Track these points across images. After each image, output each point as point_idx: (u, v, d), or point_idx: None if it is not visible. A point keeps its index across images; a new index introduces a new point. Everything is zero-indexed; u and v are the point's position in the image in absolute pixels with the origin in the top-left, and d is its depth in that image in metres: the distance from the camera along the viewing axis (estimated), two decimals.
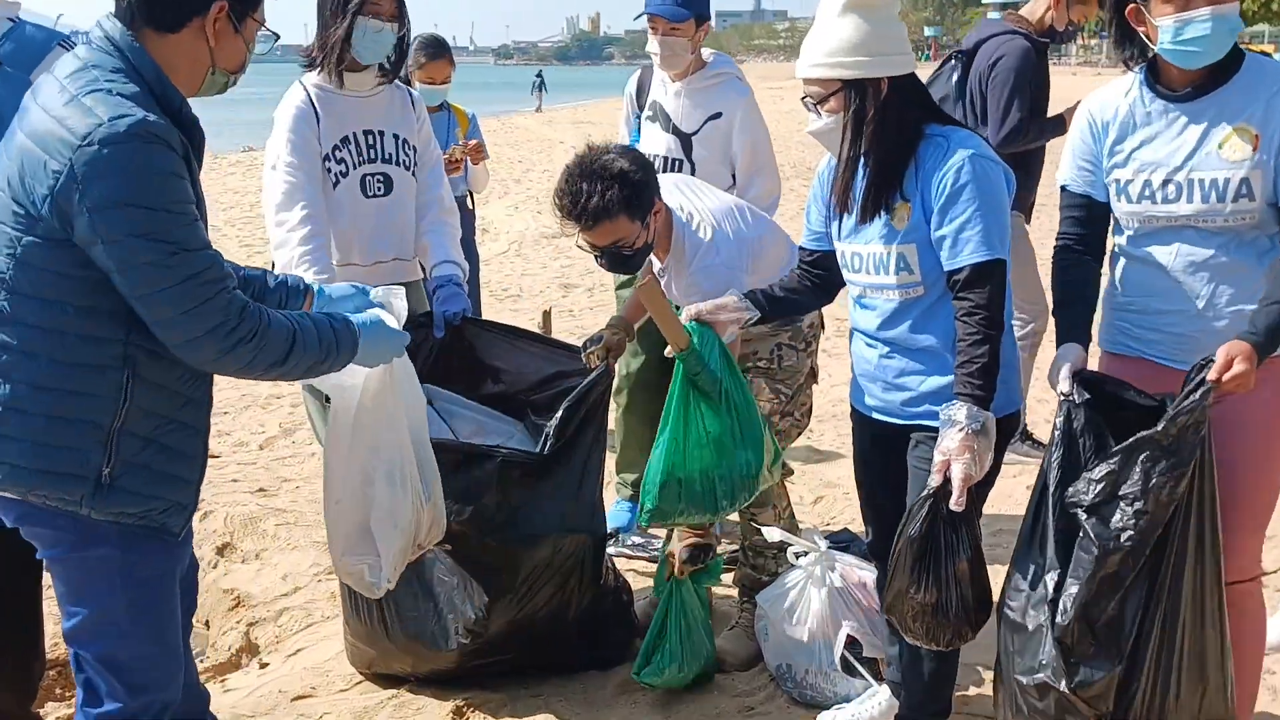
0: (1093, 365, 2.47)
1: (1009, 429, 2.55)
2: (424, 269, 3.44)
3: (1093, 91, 2.57)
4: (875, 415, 2.61)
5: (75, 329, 1.87)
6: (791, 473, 3.33)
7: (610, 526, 4.15)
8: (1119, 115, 2.42)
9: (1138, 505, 2.15)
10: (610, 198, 2.87)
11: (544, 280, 8.97)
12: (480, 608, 2.94)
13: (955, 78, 4.51)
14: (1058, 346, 2.45)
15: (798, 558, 3.11)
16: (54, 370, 1.87)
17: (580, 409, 2.98)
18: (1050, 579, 2.25)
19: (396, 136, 3.33)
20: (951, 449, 2.28)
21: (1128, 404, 2.31)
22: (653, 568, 3.82)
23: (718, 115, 3.79)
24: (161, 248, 1.83)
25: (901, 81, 2.43)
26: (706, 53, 3.87)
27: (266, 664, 3.33)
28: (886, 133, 2.41)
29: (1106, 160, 2.44)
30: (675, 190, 3.15)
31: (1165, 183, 2.34)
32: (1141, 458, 2.15)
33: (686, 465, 2.67)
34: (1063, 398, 2.33)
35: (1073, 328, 2.46)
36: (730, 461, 2.67)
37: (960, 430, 2.28)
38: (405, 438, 2.43)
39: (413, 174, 3.38)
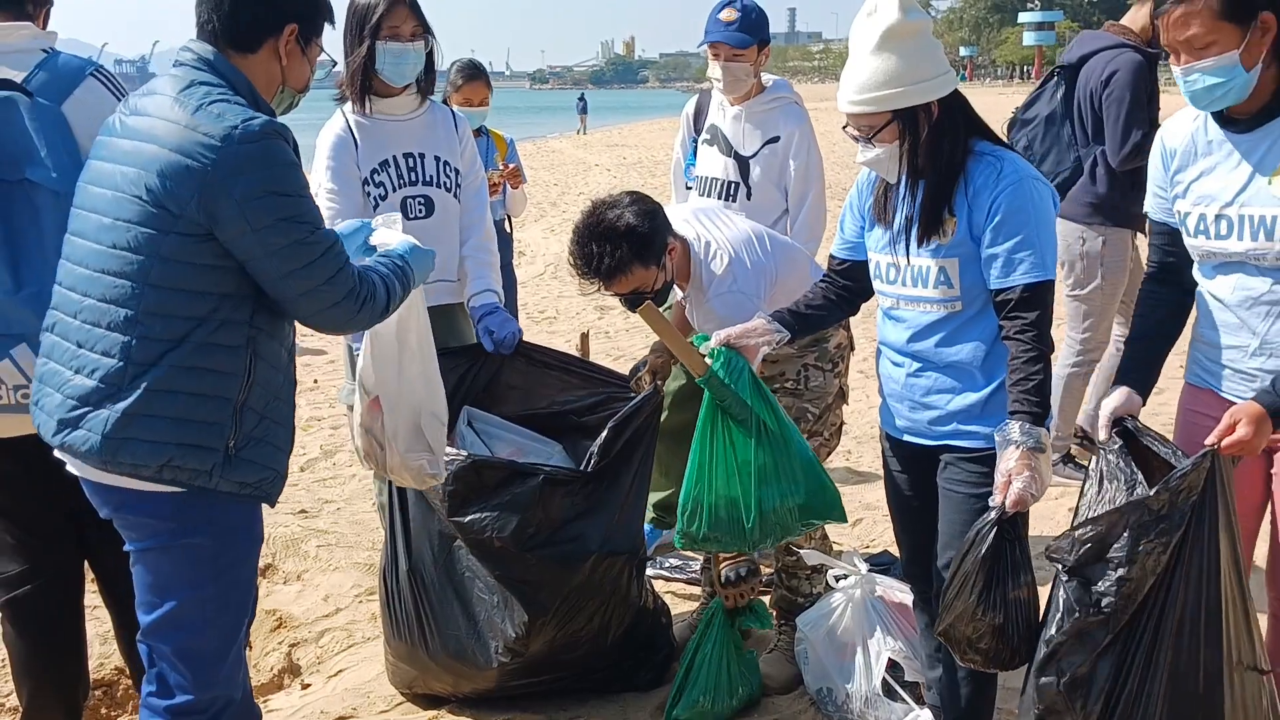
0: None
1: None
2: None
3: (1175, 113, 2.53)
4: (904, 437, 2.61)
5: (214, 315, 2.08)
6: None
7: None
8: (1183, 143, 2.37)
9: (1122, 571, 2.13)
10: (621, 255, 2.94)
11: (581, 303, 9.01)
12: (520, 626, 2.94)
13: (1060, 94, 4.39)
14: (1114, 385, 2.43)
15: (837, 580, 3.10)
16: (196, 353, 2.07)
17: (626, 429, 3.00)
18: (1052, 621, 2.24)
19: (438, 159, 3.37)
20: (1010, 469, 2.27)
21: (1161, 461, 2.28)
22: (692, 589, 3.82)
23: (775, 139, 3.81)
24: (303, 228, 2.09)
25: (949, 101, 2.43)
26: (766, 77, 3.89)
27: (309, 685, 3.36)
28: (941, 154, 2.42)
29: (1169, 190, 2.40)
30: (694, 220, 3.18)
31: (1218, 218, 2.27)
32: (1132, 521, 2.13)
33: (713, 492, 2.66)
34: (1099, 444, 2.33)
35: (1129, 370, 2.44)
36: (762, 493, 2.65)
37: (1018, 448, 2.27)
38: (431, 346, 2.65)
39: (455, 196, 3.41)
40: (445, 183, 3.38)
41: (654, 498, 4.21)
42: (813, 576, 3.27)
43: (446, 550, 3.03)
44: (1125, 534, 2.13)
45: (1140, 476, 2.22)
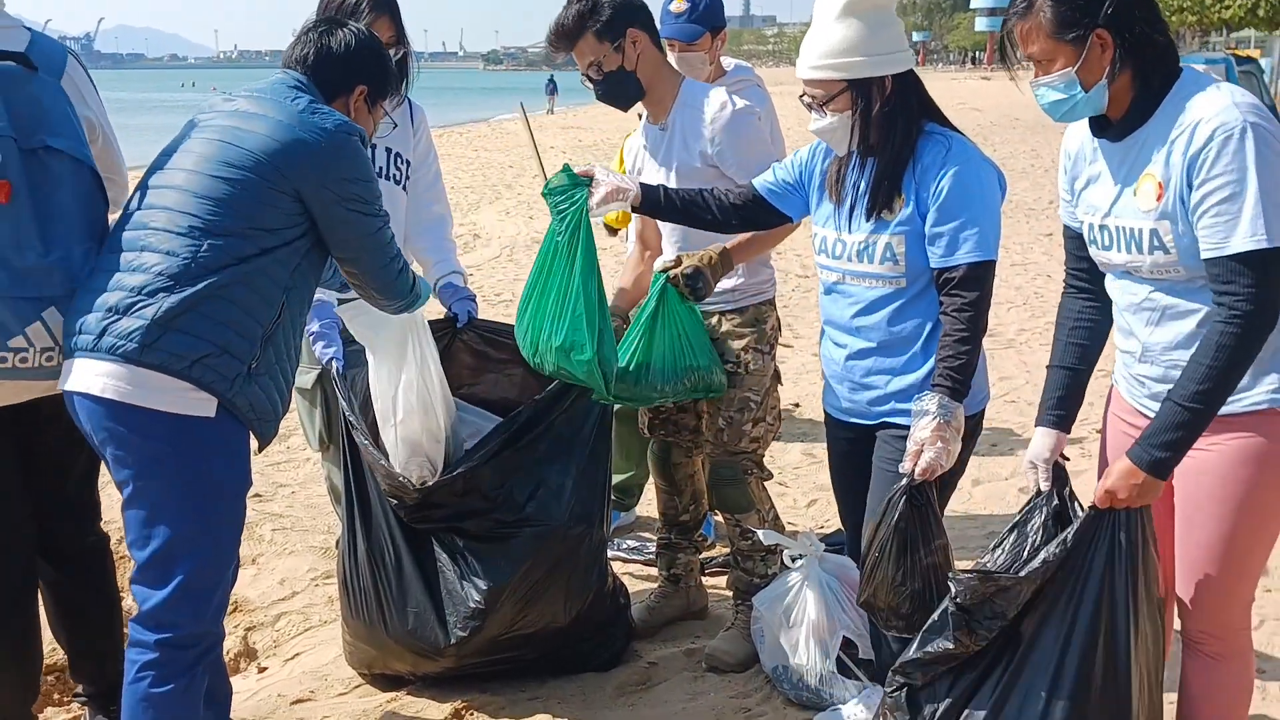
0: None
1: (974, 428, 2.60)
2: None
3: None
4: (845, 418, 2.67)
5: (273, 251, 2.34)
6: (770, 476, 3.36)
7: None
8: (1077, 148, 2.32)
9: (1004, 620, 2.23)
10: (570, 15, 3.07)
11: None
12: (480, 598, 2.95)
13: None
14: (1037, 423, 2.42)
15: (793, 560, 3.14)
16: (252, 275, 2.32)
17: (573, 390, 3.01)
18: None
19: (389, 150, 3.34)
20: (924, 438, 2.34)
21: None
22: (649, 570, 3.85)
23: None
24: (374, 205, 2.47)
25: (904, 78, 2.47)
26: (727, 61, 3.89)
27: (265, 668, 3.35)
28: (894, 130, 2.46)
29: (1071, 196, 2.35)
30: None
31: (1101, 228, 2.23)
32: (1025, 590, 2.22)
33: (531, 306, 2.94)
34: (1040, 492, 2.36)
35: (1051, 405, 2.40)
36: (539, 322, 2.92)
37: (933, 419, 2.34)
38: (432, 372, 3.01)
39: (403, 188, 3.39)
40: (395, 175, 3.36)
41: (616, 479, 4.24)
42: (768, 558, 3.31)
43: (406, 529, 3.03)
44: (1020, 594, 2.21)
45: (1067, 534, 2.24)
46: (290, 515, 4.39)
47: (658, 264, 3.14)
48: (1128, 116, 2.15)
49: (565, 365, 2.92)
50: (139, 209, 2.36)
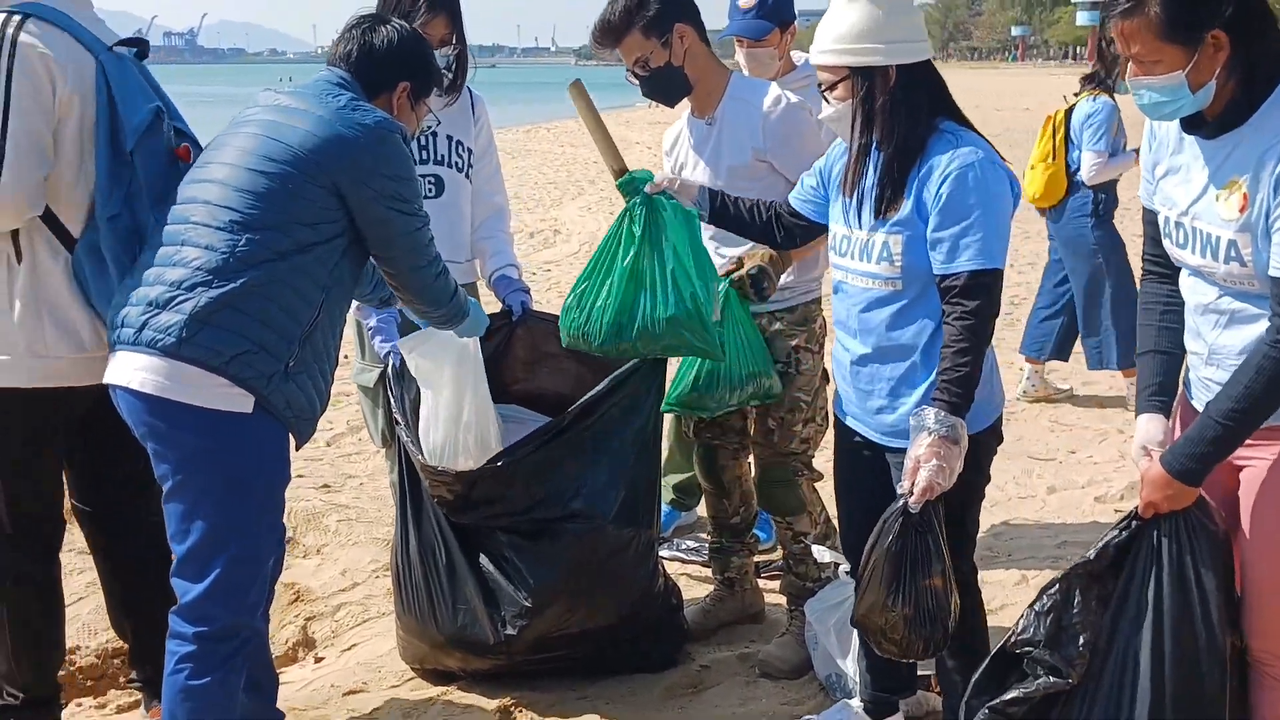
0: None
1: (991, 439, 2.52)
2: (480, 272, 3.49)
3: None
4: (852, 423, 2.61)
5: (314, 248, 2.35)
6: (821, 476, 3.30)
7: None
8: (1163, 131, 2.19)
9: (1085, 636, 2.15)
10: (617, 11, 3.02)
11: None
12: (529, 598, 2.95)
13: None
14: (1136, 411, 2.31)
15: (847, 574, 3.07)
16: (291, 272, 2.32)
17: (625, 385, 2.98)
18: None
19: (450, 138, 3.36)
20: (919, 455, 2.25)
21: None
22: (707, 572, 3.81)
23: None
24: (414, 204, 2.46)
25: (912, 70, 2.39)
26: (797, 56, 3.83)
27: (321, 658, 3.39)
28: (897, 123, 2.37)
29: (1152, 179, 2.24)
30: None
31: (1176, 224, 2.13)
32: (1080, 589, 2.16)
33: (596, 295, 2.84)
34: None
35: (1145, 389, 2.28)
36: (638, 299, 2.80)
37: (929, 435, 2.24)
38: (485, 387, 3.07)
39: (467, 176, 3.41)
40: (457, 162, 3.37)
41: (672, 479, 4.21)
42: (820, 562, 3.25)
43: (456, 527, 3.04)
44: (1078, 598, 2.14)
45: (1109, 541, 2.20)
46: (356, 506, 4.44)
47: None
48: (1224, 115, 2.03)
49: (676, 337, 2.82)
50: (180, 203, 2.38)
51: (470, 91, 3.47)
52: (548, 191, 14.61)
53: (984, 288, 2.29)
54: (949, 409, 2.26)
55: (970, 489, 2.47)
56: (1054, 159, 5.53)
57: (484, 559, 3.01)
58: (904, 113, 2.37)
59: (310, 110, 2.39)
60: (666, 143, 3.39)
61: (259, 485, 2.37)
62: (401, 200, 2.43)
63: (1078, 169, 5.47)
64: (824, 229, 2.69)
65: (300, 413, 2.38)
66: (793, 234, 2.76)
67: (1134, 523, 2.15)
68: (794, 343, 3.17)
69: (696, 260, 2.81)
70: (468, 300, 2.78)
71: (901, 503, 2.28)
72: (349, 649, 3.41)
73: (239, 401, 2.28)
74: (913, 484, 2.25)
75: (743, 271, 2.97)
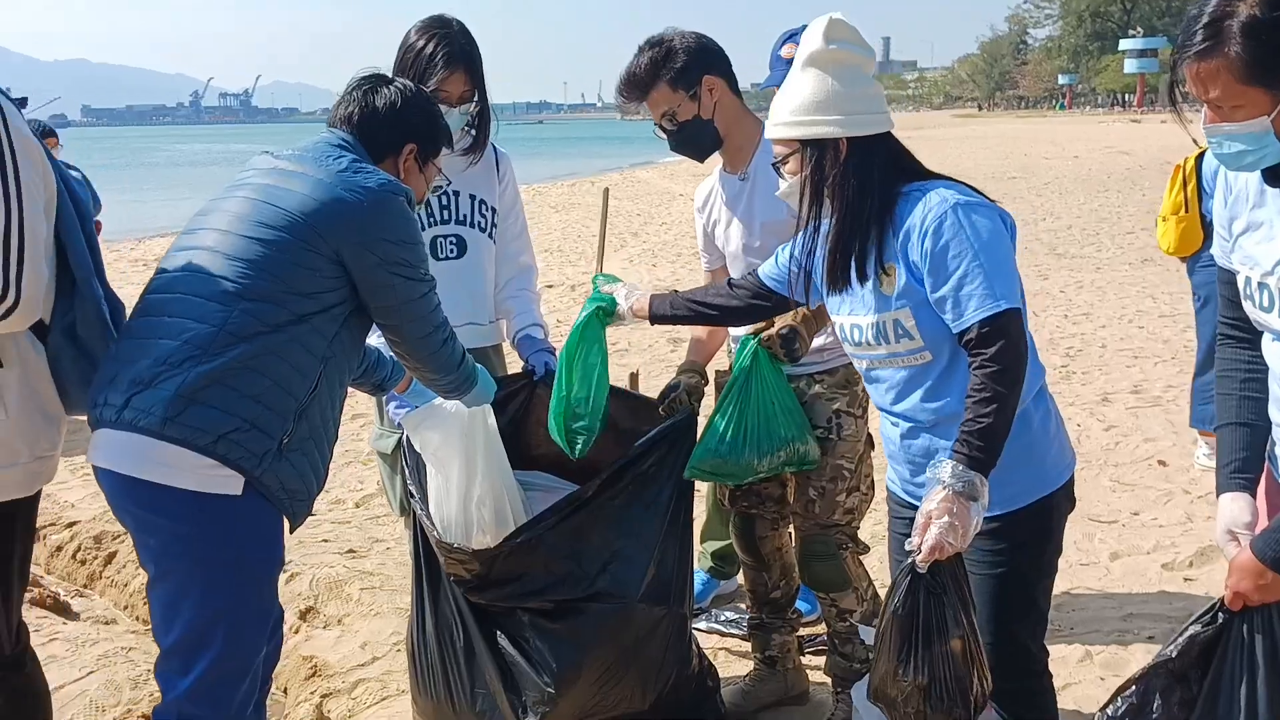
0: None
1: (1063, 501, 2.30)
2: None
3: None
4: (906, 497, 2.41)
5: (310, 319, 2.21)
6: (867, 549, 3.08)
7: None
8: (1238, 185, 1.99)
9: None
10: (645, 67, 2.91)
11: (654, 334, 8.84)
12: (551, 684, 2.75)
13: None
14: (1217, 490, 2.10)
15: None
16: (286, 344, 2.18)
17: (651, 454, 2.81)
18: None
19: (473, 197, 3.23)
20: (930, 509, 2.06)
21: None
22: (747, 647, 3.59)
23: None
24: (419, 269, 2.34)
25: (864, 143, 2.25)
26: None
27: None
28: (846, 196, 2.24)
29: (1229, 236, 2.04)
30: None
31: (1260, 285, 1.92)
32: (1160, 690, 1.93)
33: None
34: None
35: (1228, 465, 2.06)
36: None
37: (944, 489, 2.05)
38: (502, 458, 2.92)
39: (490, 236, 3.27)
40: (480, 222, 3.23)
41: (710, 546, 4.01)
42: (867, 643, 3.02)
43: (475, 605, 2.85)
44: (1157, 700, 1.91)
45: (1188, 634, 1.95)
46: (381, 574, 4.27)
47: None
48: None
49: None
50: (166, 271, 2.24)
51: (495, 149, 3.34)
52: (591, 244, 14.53)
53: (999, 332, 2.11)
54: (968, 463, 2.08)
55: (1040, 559, 2.28)
56: (1186, 210, 5.30)
57: (503, 640, 2.81)
58: (853, 185, 2.24)
59: (309, 174, 2.26)
60: (698, 200, 3.22)
61: (247, 574, 2.20)
62: (406, 266, 2.30)
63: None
64: (797, 306, 2.58)
65: (295, 494, 2.22)
66: (765, 311, 2.64)
67: (1220, 615, 1.91)
68: (835, 407, 2.97)
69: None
70: (476, 367, 2.65)
71: (910, 560, 2.09)
72: None
73: (227, 484, 2.12)
74: (921, 541, 2.07)
75: (773, 331, 2.79)
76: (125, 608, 4.26)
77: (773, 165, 2.36)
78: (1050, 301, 9.97)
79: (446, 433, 2.84)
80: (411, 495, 2.89)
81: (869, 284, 2.26)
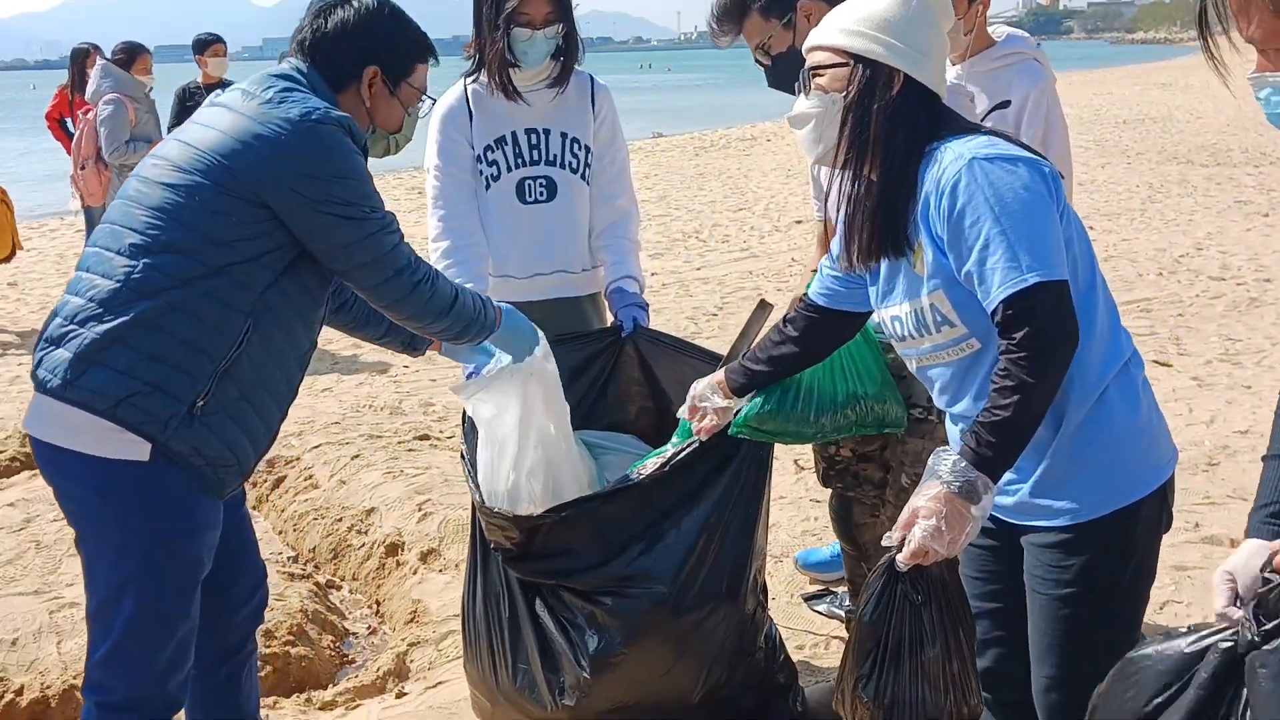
0: None
1: (1153, 510, 1.88)
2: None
3: None
4: None
5: (228, 270, 2.04)
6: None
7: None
8: None
9: None
10: None
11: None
12: (587, 666, 2.57)
13: None
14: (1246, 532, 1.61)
15: None
16: (196, 299, 2.02)
17: (718, 442, 2.50)
18: None
19: (565, 135, 3.00)
20: (919, 505, 1.74)
21: None
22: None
23: (1005, 104, 3.09)
24: (357, 207, 2.08)
25: (919, 89, 1.88)
26: (1000, 30, 3.18)
27: (404, 694, 3.15)
28: (894, 139, 1.86)
29: None
30: None
31: None
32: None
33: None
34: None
35: (1260, 503, 1.57)
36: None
37: (940, 484, 1.73)
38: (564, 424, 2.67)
39: (583, 178, 3.04)
40: (571, 162, 3.01)
41: None
42: None
43: (521, 580, 2.69)
44: None
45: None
46: None
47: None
48: None
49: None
50: (102, 224, 2.15)
51: (592, 81, 3.09)
52: (681, 224, 12.23)
53: (1028, 311, 1.72)
54: (973, 459, 1.75)
55: (1118, 583, 1.90)
56: None
57: (545, 617, 2.65)
58: (903, 127, 1.87)
59: (232, 108, 2.08)
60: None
61: (158, 542, 2.08)
62: (341, 203, 2.06)
63: None
64: (863, 317, 2.21)
65: (214, 459, 2.08)
66: (836, 334, 2.26)
67: None
68: None
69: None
70: (487, 309, 2.38)
71: (888, 558, 1.80)
72: (434, 686, 3.14)
73: (133, 449, 2.02)
74: (904, 538, 1.76)
75: None
76: (280, 532, 4.43)
77: (803, 73, 1.99)
78: None
79: (503, 399, 2.65)
80: (463, 458, 2.76)
81: (901, 264, 1.91)
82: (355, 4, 2.20)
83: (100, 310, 2.01)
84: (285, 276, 2.11)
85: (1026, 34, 3.28)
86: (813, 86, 1.94)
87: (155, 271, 2.01)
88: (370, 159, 2.27)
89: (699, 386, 2.40)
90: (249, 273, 2.06)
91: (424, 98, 2.34)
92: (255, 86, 2.12)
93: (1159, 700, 1.44)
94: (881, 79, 1.88)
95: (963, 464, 1.74)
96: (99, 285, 2.04)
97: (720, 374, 2.38)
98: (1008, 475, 1.88)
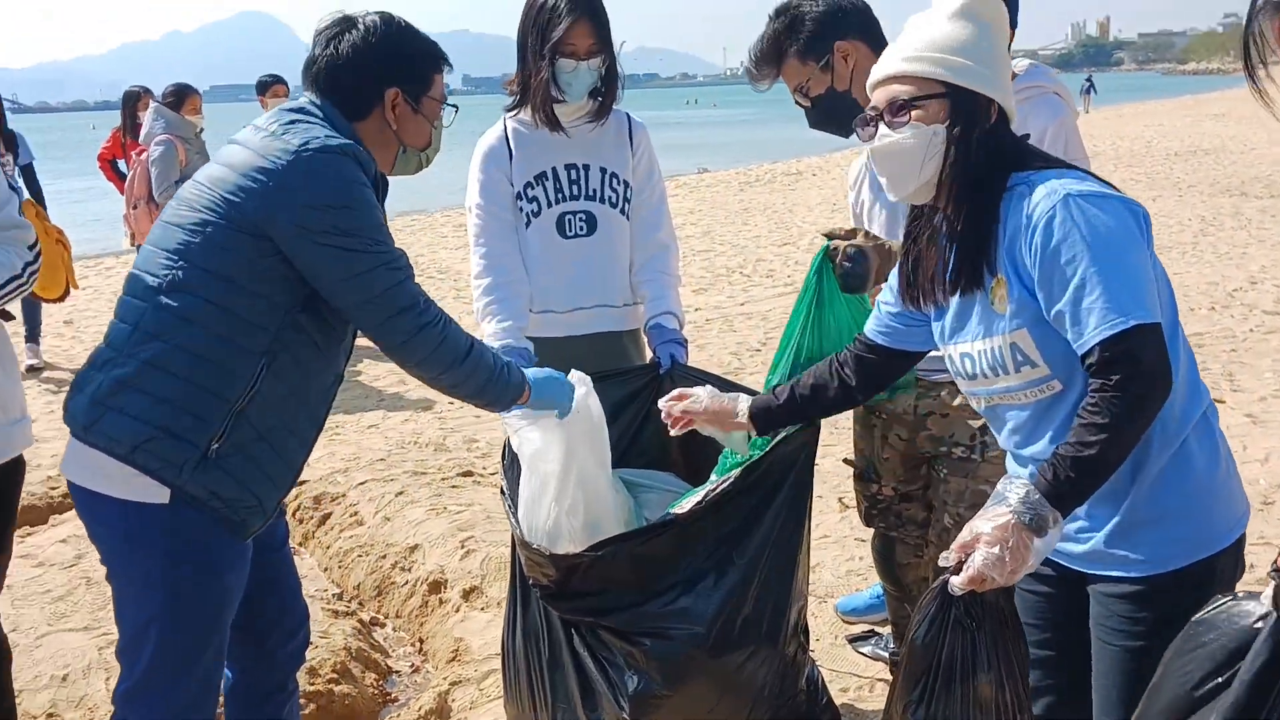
0: None
1: (1228, 564, 1.84)
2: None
3: None
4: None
5: (240, 310, 2.01)
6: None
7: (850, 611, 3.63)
8: None
9: None
10: (768, 35, 2.67)
11: None
12: (625, 708, 2.54)
13: None
14: None
15: None
16: (206, 339, 2.00)
17: (752, 472, 2.49)
18: None
19: (604, 170, 3.02)
20: (983, 530, 1.67)
21: None
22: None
23: (1024, 137, 3.07)
24: (362, 240, 2.02)
25: (1004, 118, 1.87)
26: (1021, 63, 3.16)
27: None
28: (991, 170, 1.83)
29: None
30: None
31: None
32: None
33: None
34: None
35: None
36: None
37: (1007, 512, 1.67)
38: (605, 461, 2.65)
39: (623, 213, 3.05)
40: (610, 197, 3.02)
41: None
42: None
43: (562, 618, 2.68)
44: None
45: None
46: None
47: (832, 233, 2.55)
48: None
49: None
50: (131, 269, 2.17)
51: (629, 119, 3.11)
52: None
53: (1127, 355, 1.67)
54: (1048, 491, 1.68)
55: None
56: None
57: (585, 656, 2.63)
58: (999, 159, 1.84)
59: (242, 144, 2.07)
60: (850, 176, 2.89)
61: (180, 584, 2.08)
62: (341, 234, 2.00)
63: None
64: (918, 356, 2.17)
65: (233, 501, 2.06)
66: (885, 373, 2.22)
67: None
68: (979, 424, 2.54)
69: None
70: (512, 375, 2.30)
71: (938, 583, 1.74)
72: None
73: (154, 492, 2.02)
74: (962, 560, 1.69)
75: (843, 245, 2.42)
76: (325, 569, 4.45)
77: (868, 120, 1.92)
78: None
79: (547, 434, 2.66)
80: (503, 494, 2.76)
81: (976, 301, 1.87)
82: (362, 25, 2.15)
83: (114, 355, 2.03)
84: (301, 313, 2.07)
85: (1049, 67, 3.25)
86: (901, 121, 1.86)
87: (165, 313, 2.01)
88: (409, 178, 2.29)
89: (699, 389, 2.41)
90: (259, 312, 2.03)
91: (445, 106, 2.29)
92: (266, 120, 2.11)
93: (1209, 686, 1.42)
94: (981, 108, 1.85)
95: (1036, 496, 1.69)
96: (118, 329, 2.06)
97: (744, 399, 2.37)
98: (1080, 523, 1.85)
